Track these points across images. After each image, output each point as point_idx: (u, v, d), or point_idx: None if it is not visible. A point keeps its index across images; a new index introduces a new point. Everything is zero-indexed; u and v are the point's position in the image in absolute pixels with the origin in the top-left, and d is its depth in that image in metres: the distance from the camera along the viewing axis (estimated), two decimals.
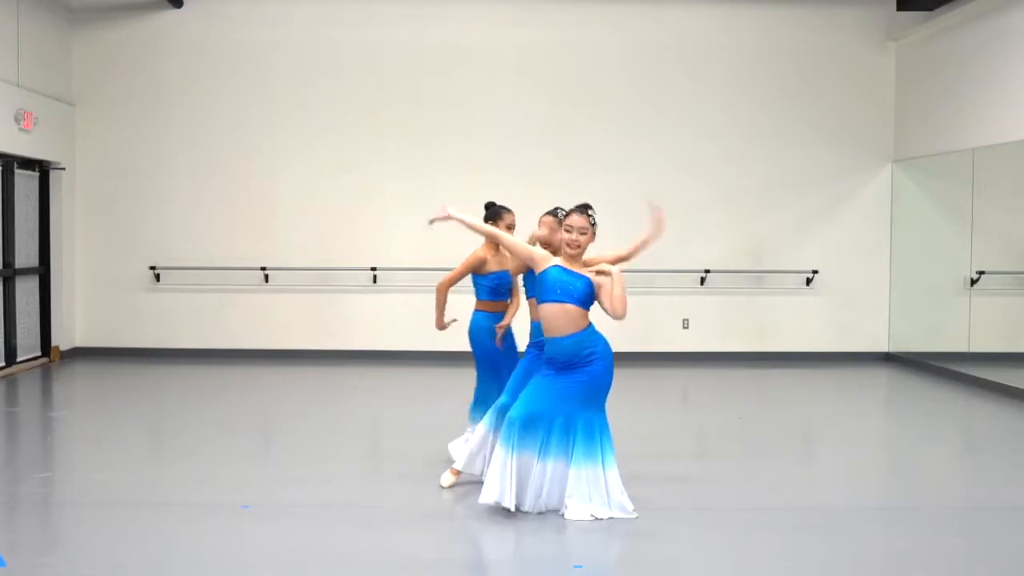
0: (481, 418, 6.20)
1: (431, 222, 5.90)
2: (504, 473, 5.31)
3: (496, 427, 5.92)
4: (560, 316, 5.39)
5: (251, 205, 11.85)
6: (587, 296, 5.42)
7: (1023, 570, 4.91)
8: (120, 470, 6.54)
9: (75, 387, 10.31)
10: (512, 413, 5.41)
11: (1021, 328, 10.45)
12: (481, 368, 6.60)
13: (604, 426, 5.48)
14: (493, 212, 6.51)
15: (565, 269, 5.45)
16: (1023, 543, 5.32)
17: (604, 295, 5.37)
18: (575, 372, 5.39)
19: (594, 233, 5.55)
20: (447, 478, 6.12)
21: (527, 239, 6.23)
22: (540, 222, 6.23)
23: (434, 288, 6.70)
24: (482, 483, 5.66)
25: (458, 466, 6.10)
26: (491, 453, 5.85)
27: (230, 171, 11.84)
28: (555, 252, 5.72)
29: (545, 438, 5.36)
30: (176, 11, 11.77)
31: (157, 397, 9.57)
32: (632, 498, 5.66)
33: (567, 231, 5.47)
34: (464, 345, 11.75)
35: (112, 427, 8.05)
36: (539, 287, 5.50)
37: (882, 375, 11.31)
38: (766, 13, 11.92)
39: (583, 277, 5.42)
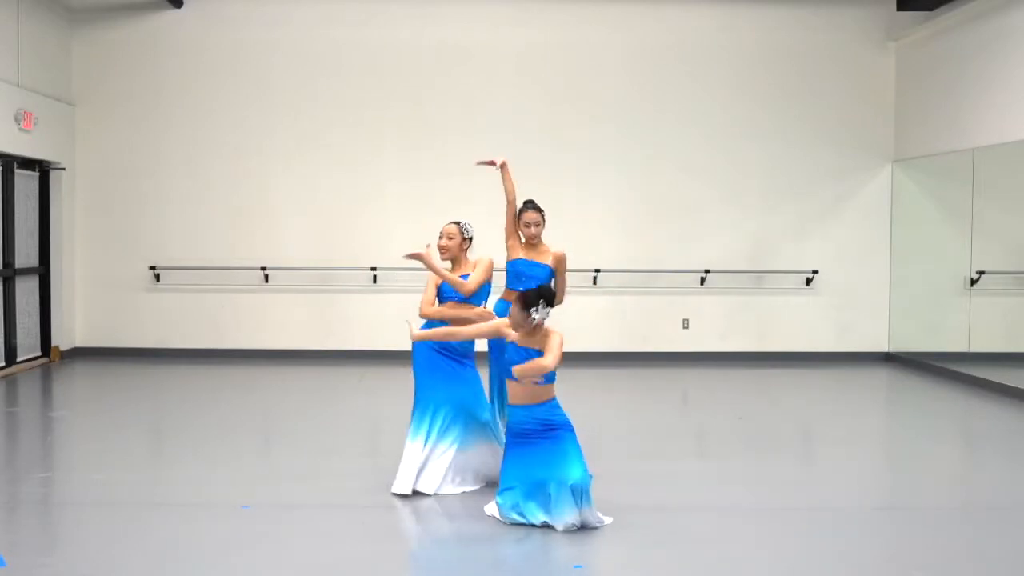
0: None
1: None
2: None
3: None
4: (525, 393, 5.42)
5: (251, 205, 11.85)
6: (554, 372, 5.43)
7: (1023, 570, 4.91)
8: (120, 470, 6.55)
9: (75, 387, 10.31)
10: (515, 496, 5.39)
11: (1021, 328, 10.44)
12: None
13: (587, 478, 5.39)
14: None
15: (521, 348, 5.42)
16: (1023, 543, 5.32)
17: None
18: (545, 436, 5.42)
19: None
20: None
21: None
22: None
23: None
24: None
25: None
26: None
27: (230, 171, 11.84)
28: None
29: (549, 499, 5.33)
30: (176, 11, 11.77)
31: (157, 397, 9.57)
32: (632, 497, 5.68)
33: (521, 318, 5.38)
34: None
35: (112, 427, 8.05)
36: (505, 366, 5.48)
37: (882, 375, 11.31)
38: (766, 13, 11.92)
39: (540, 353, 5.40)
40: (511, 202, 6.63)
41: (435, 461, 5.95)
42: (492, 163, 6.77)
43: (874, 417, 9.45)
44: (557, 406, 5.47)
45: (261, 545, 5.07)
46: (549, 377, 5.40)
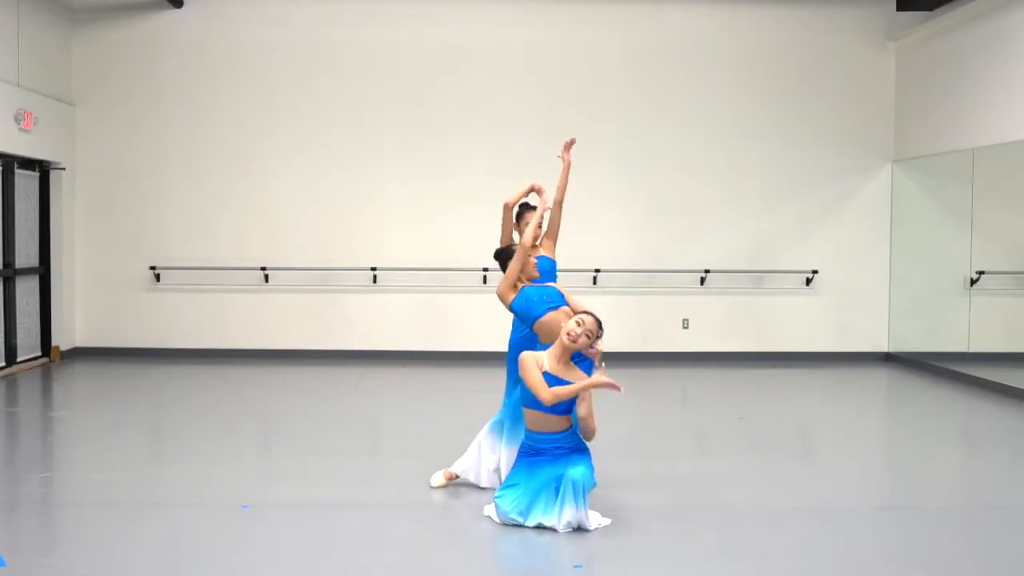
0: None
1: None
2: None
3: (499, 437, 6.06)
4: (540, 421, 5.40)
5: (251, 205, 11.85)
6: (572, 404, 5.39)
7: (1023, 570, 4.91)
8: (120, 470, 6.55)
9: (75, 387, 10.31)
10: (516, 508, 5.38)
11: (1021, 328, 10.45)
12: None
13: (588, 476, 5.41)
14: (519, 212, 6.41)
15: (554, 378, 5.36)
16: (1023, 543, 5.32)
17: (583, 405, 5.35)
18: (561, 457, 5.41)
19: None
20: (437, 478, 6.16)
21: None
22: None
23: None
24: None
25: (455, 470, 6.14)
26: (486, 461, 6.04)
27: (230, 171, 11.84)
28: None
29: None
30: (176, 11, 11.77)
31: (157, 397, 9.57)
32: (632, 497, 5.69)
33: (578, 325, 5.34)
34: (462, 344, 11.88)
35: (112, 427, 8.05)
36: (525, 393, 5.44)
37: (882, 375, 11.31)
38: (766, 13, 11.92)
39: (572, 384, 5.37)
40: (558, 202, 6.49)
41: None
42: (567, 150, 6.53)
43: (874, 417, 9.45)
44: (575, 432, 5.46)
45: (261, 545, 5.07)
46: (564, 408, 5.37)
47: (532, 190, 6.33)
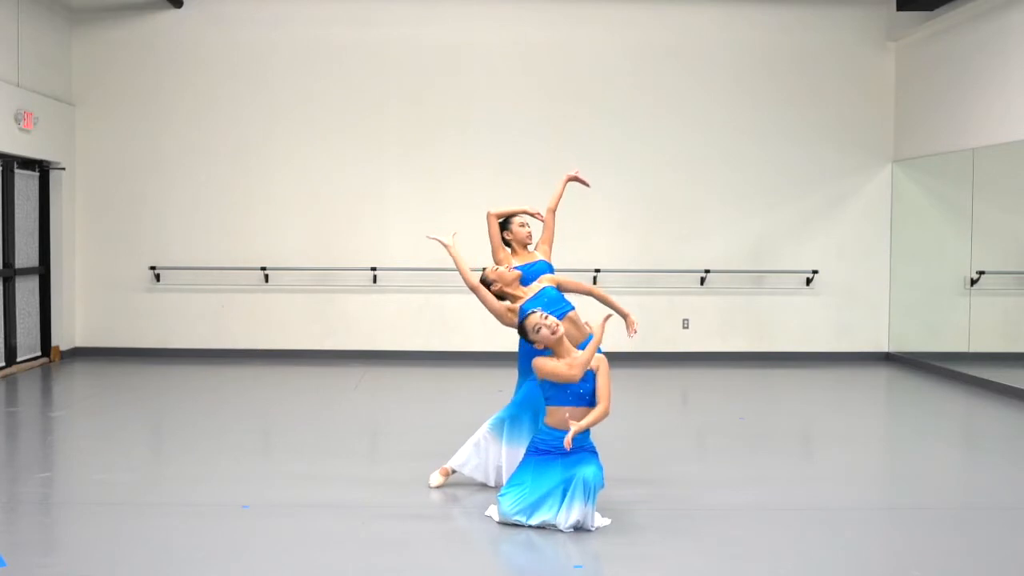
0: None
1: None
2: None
3: (499, 435, 6.06)
4: (565, 419, 5.39)
5: (251, 205, 11.85)
6: (590, 392, 5.38)
7: (1023, 570, 4.91)
8: (120, 470, 6.55)
9: (75, 387, 10.31)
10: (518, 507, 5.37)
11: (1021, 328, 10.44)
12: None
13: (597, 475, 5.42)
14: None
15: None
16: (1023, 543, 5.32)
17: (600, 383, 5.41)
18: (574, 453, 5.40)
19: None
20: (435, 478, 6.16)
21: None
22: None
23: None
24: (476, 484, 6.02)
25: (451, 465, 6.14)
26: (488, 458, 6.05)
27: (230, 171, 11.85)
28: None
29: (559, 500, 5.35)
30: (176, 11, 11.77)
31: (157, 397, 9.57)
32: (632, 497, 5.71)
33: (536, 333, 5.41)
34: (461, 344, 11.88)
35: (112, 427, 8.05)
36: (550, 393, 5.44)
37: (882, 375, 11.31)
38: (766, 13, 11.92)
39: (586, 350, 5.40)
40: (551, 209, 6.57)
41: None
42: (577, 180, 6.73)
43: (874, 417, 9.45)
44: (589, 435, 5.45)
45: (261, 545, 5.07)
46: (588, 399, 5.38)
47: (525, 212, 6.50)
